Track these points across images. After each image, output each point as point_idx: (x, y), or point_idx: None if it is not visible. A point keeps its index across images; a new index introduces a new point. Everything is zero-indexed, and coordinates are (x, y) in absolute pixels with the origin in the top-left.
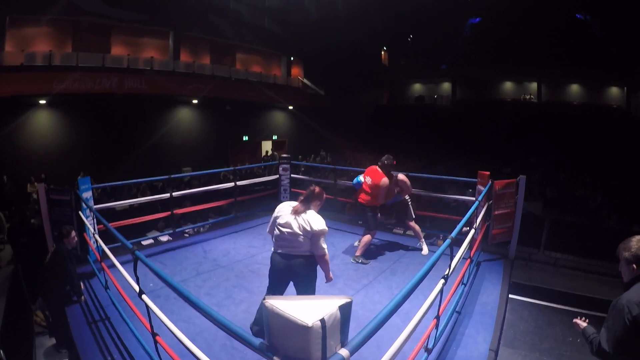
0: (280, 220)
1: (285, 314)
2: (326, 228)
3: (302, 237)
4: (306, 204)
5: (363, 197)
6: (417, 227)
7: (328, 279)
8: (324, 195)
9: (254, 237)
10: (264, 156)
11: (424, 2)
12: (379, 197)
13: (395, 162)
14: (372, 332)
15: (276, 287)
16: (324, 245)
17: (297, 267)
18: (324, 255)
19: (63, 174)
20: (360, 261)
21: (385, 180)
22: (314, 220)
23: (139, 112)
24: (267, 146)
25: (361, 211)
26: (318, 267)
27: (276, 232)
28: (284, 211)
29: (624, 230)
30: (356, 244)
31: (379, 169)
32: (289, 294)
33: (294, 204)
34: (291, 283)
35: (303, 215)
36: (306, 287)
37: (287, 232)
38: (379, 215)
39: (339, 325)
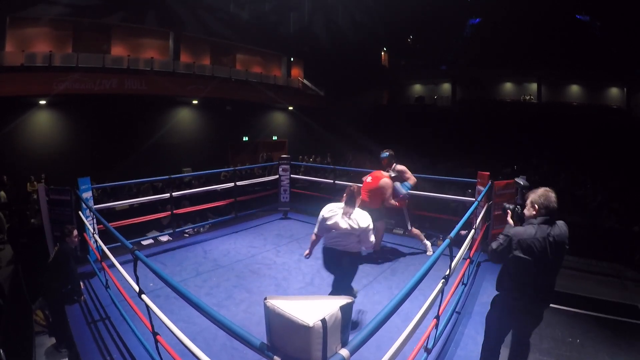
0: (329, 222)
1: (286, 314)
2: (372, 224)
3: (352, 235)
4: (351, 204)
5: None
6: (416, 232)
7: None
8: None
9: (254, 237)
10: (260, 156)
11: (424, 2)
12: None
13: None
14: (372, 332)
15: (332, 274)
16: (372, 239)
17: (344, 262)
18: (372, 245)
19: (63, 174)
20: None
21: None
22: (362, 218)
23: (139, 112)
24: None
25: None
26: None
27: (327, 232)
28: (332, 213)
29: (624, 230)
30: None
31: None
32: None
33: (340, 205)
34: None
35: (352, 215)
36: (346, 279)
37: (338, 232)
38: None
39: (339, 326)
